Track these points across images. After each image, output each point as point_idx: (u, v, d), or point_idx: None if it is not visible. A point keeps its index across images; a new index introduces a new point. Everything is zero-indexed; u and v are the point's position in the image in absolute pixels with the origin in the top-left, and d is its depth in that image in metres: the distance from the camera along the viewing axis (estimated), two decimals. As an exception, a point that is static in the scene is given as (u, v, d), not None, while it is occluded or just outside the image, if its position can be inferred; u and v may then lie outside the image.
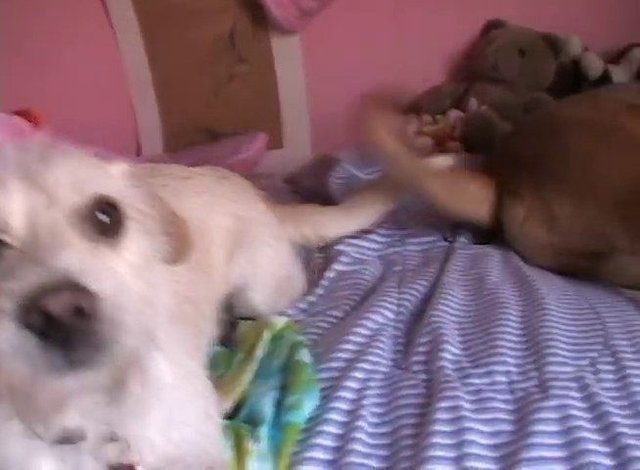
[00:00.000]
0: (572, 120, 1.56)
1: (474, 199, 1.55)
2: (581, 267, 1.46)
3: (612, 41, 2.45)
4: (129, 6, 2.56)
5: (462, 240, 1.62)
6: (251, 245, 1.34)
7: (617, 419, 1.00)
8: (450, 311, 1.30)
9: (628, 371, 1.11)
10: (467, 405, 1.04)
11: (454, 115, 2.22)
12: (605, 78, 2.26)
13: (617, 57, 2.41)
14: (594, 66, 2.24)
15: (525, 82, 2.28)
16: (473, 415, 1.03)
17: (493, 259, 1.50)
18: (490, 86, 2.28)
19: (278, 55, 2.45)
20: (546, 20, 2.39)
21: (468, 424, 1.01)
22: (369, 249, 1.61)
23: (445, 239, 1.64)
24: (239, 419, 1.06)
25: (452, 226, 1.66)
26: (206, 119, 2.56)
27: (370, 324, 1.27)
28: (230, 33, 2.48)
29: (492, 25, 2.37)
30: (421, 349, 1.21)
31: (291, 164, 2.21)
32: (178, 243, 0.84)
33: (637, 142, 1.44)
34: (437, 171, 1.56)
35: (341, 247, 1.60)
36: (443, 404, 1.04)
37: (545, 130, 1.58)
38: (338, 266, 1.53)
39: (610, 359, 1.15)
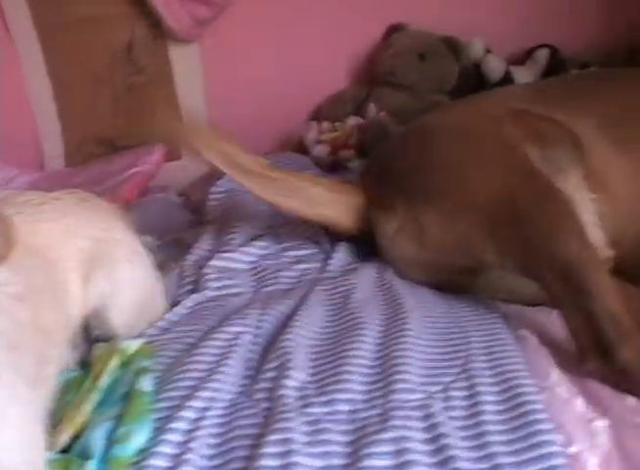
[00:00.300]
0: (446, 129, 1.49)
1: (339, 210, 1.47)
2: (456, 282, 1.39)
3: (518, 42, 2.41)
4: (28, 17, 2.49)
5: (340, 253, 1.54)
6: (109, 266, 1.28)
7: (457, 452, 0.93)
8: (305, 334, 1.22)
9: (480, 398, 1.04)
10: (300, 438, 0.96)
11: (352, 121, 2.15)
12: (507, 80, 2.21)
13: (523, 58, 2.37)
14: (494, 68, 2.19)
15: (426, 87, 2.22)
16: (304, 449, 0.95)
17: (365, 275, 1.42)
18: (390, 91, 2.22)
19: (176, 64, 2.37)
20: (451, 22, 2.34)
21: (296, 458, 0.93)
22: (242, 262, 1.53)
23: (325, 252, 1.57)
24: (73, 452, 0.99)
25: (332, 239, 1.59)
26: (108, 132, 2.48)
27: (218, 349, 1.19)
28: (128, 43, 2.41)
29: (394, 29, 2.31)
30: (268, 374, 1.12)
31: (190, 175, 2.15)
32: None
33: (510, 153, 1.37)
34: (296, 182, 1.47)
35: (212, 261, 1.51)
36: (274, 437, 0.96)
37: (417, 139, 1.51)
38: (207, 283, 1.45)
39: (464, 384, 1.07)
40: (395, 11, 2.35)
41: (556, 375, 1.11)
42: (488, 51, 2.26)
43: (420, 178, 1.40)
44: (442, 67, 2.23)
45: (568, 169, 1.42)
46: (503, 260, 1.27)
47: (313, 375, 1.12)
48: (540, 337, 1.22)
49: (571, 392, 1.07)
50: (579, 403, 1.05)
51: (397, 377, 1.08)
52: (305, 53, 2.33)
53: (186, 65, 2.35)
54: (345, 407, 1.04)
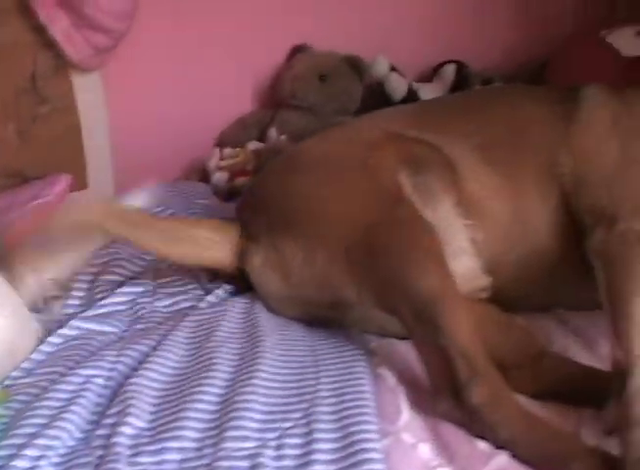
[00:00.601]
0: (312, 156, 1.44)
1: (225, 251, 1.40)
2: (325, 317, 1.34)
3: (426, 59, 2.38)
4: None
5: (220, 290, 1.49)
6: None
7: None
8: (155, 376, 1.17)
9: (315, 446, 0.99)
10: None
11: (252, 146, 2.11)
12: (412, 98, 2.18)
13: (431, 75, 2.34)
14: (397, 86, 2.16)
15: (328, 108, 2.17)
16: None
17: (233, 312, 1.37)
18: (292, 114, 2.17)
19: (79, 93, 2.32)
20: (359, 41, 2.31)
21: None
22: (116, 303, 1.48)
23: (203, 289, 1.52)
24: None
25: (212, 274, 1.54)
26: (15, 163, 2.42)
27: (67, 393, 1.14)
28: (32, 73, 2.35)
29: (297, 50, 2.27)
30: (108, 421, 1.07)
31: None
32: None
33: (374, 182, 1.32)
34: (180, 230, 1.42)
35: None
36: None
37: (284, 167, 1.47)
38: (76, 322, 1.39)
39: (302, 431, 1.03)
40: (301, 32, 2.31)
41: (406, 418, 1.07)
42: (394, 69, 2.22)
43: (282, 208, 1.36)
44: (345, 87, 2.19)
45: (440, 195, 1.37)
46: (361, 295, 1.23)
47: (152, 421, 1.07)
48: (402, 374, 1.18)
49: (418, 437, 1.03)
50: (425, 450, 1.01)
51: (233, 424, 1.03)
52: (210, 78, 2.28)
53: (89, 94, 2.29)
54: (176, 456, 1.00)
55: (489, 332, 1.25)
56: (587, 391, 1.13)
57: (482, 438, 1.03)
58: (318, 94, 2.16)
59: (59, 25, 2.18)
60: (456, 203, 1.37)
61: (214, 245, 1.39)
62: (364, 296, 1.22)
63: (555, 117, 1.42)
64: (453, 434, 1.04)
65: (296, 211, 1.33)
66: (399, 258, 1.17)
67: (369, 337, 1.31)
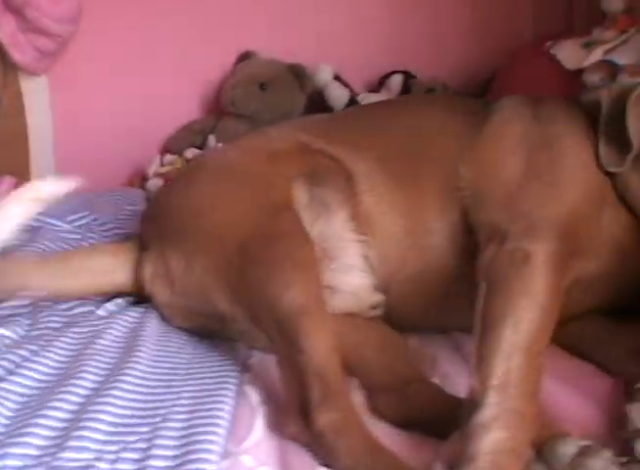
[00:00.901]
0: (208, 166, 1.42)
1: (128, 271, 1.38)
2: (213, 329, 1.32)
3: (381, 70, 2.36)
4: None
5: (122, 298, 1.48)
6: None
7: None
8: (23, 382, 1.14)
9: (149, 462, 0.96)
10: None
11: (189, 154, 2.10)
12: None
13: (379, 84, 2.33)
14: (338, 95, 2.14)
15: (268, 116, 2.15)
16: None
17: (124, 320, 1.35)
18: (233, 122, 2.16)
19: (27, 97, 2.33)
20: (307, 50, 2.30)
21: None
22: (15, 306, 1.46)
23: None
24: None
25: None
26: (-34, 166, 2.43)
27: None
28: (-20, 78, 2.36)
29: (243, 57, 2.27)
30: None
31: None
32: None
33: (260, 194, 1.29)
34: (77, 261, 1.39)
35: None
36: None
37: (182, 177, 1.46)
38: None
39: (143, 446, 1.00)
40: (251, 38, 2.31)
41: (257, 439, 1.05)
42: (337, 78, 2.21)
43: (172, 217, 1.34)
44: (286, 95, 2.17)
45: (335, 209, 1.34)
46: (233, 309, 1.21)
47: (6, 426, 1.04)
48: (272, 392, 1.16)
49: (260, 460, 1.00)
50: (262, 474, 0.97)
51: (77, 434, 1.01)
52: (157, 83, 2.28)
53: (36, 98, 2.30)
54: (18, 463, 0.97)
55: (367, 351, 1.23)
56: (449, 422, 1.01)
57: (326, 465, 0.99)
58: (258, 102, 2.14)
59: (5, 29, 2.19)
60: (350, 217, 1.34)
61: (114, 270, 1.37)
62: (236, 309, 1.20)
63: (464, 128, 1.37)
64: (299, 459, 1.01)
65: (183, 219, 1.31)
66: (267, 270, 1.14)
67: (252, 352, 1.29)
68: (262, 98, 2.14)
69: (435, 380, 1.20)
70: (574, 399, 1.14)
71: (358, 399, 1.15)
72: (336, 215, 1.34)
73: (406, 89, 2.21)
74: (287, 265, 1.14)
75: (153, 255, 1.33)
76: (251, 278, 1.16)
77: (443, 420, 1.05)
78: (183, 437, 1.02)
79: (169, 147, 2.20)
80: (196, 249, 1.26)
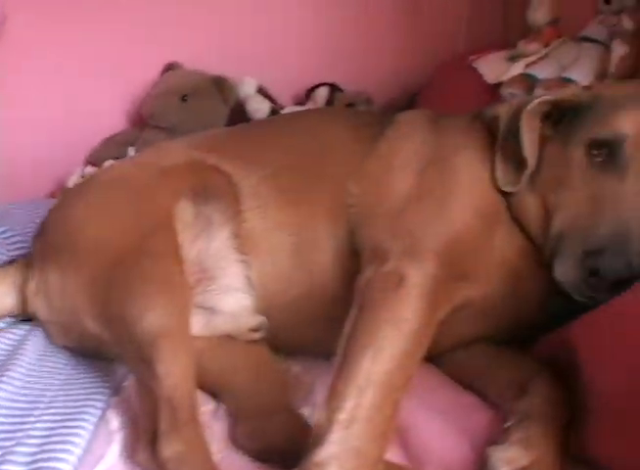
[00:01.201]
0: (104, 179, 1.40)
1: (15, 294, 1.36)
2: (92, 349, 1.28)
3: (307, 83, 2.35)
4: None
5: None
6: None
7: None
8: None
9: None
10: None
11: (107, 165, 2.08)
12: (277, 120, 2.14)
13: (305, 97, 2.32)
14: (258, 107, 2.13)
15: (189, 128, 2.11)
16: None
17: (6, 338, 1.34)
18: (154, 134, 2.14)
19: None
20: (233, 63, 2.27)
21: None
22: None
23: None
24: None
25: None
26: None
27: None
28: None
29: (167, 69, 2.25)
30: None
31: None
32: None
33: (139, 212, 1.26)
34: None
35: None
36: None
37: (75, 190, 1.44)
38: None
39: None
40: (178, 50, 2.29)
41: (107, 465, 1.03)
42: (262, 90, 2.19)
43: (54, 232, 1.31)
44: (208, 107, 2.16)
45: (218, 227, 1.31)
46: (100, 329, 1.18)
47: None
48: (132, 418, 1.13)
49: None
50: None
51: None
52: (84, 95, 2.25)
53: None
54: None
55: (239, 377, 1.21)
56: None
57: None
58: (178, 114, 2.12)
59: None
60: (233, 235, 1.31)
61: (3, 295, 1.35)
62: (103, 331, 1.17)
63: (357, 142, 1.33)
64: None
65: (64, 233, 1.28)
66: (129, 291, 1.12)
67: (129, 374, 1.25)
68: (183, 109, 2.12)
69: (307, 409, 1.15)
70: (448, 436, 1.06)
71: (221, 426, 1.12)
72: (218, 233, 1.31)
73: (331, 102, 2.19)
74: (149, 288, 1.13)
75: (36, 271, 1.31)
76: (114, 298, 1.14)
77: (299, 454, 0.96)
78: (31, 462, 1.01)
79: (92, 159, 2.18)
80: (70, 264, 1.23)
